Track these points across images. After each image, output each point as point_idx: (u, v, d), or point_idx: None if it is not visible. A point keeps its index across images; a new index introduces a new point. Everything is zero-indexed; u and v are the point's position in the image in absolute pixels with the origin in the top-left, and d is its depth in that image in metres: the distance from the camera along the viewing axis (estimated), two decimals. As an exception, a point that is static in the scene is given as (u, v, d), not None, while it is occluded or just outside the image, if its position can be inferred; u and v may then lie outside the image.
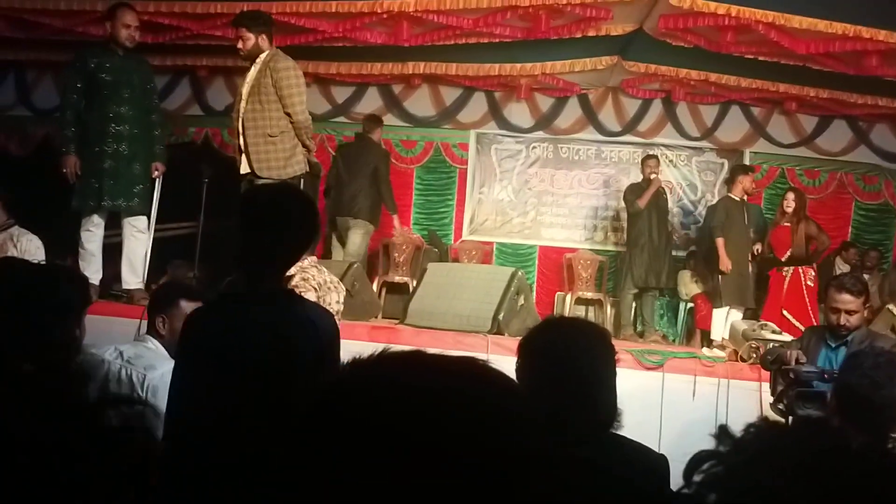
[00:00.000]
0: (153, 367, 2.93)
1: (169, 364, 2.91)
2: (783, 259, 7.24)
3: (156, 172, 5.45)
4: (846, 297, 3.87)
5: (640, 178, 8.22)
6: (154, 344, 3.07)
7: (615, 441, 1.77)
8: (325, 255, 7.79)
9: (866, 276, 8.61)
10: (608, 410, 1.77)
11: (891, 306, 5.45)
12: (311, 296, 4.27)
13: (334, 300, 4.23)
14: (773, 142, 9.28)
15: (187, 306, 3.01)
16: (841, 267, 8.22)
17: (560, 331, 1.89)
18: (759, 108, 9.30)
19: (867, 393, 2.23)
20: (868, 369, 2.26)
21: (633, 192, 7.97)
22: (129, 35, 5.24)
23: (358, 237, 7.37)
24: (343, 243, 7.50)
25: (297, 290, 4.28)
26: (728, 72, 8.13)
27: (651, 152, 8.62)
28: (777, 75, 8.05)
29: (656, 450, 1.90)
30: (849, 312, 3.87)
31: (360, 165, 7.67)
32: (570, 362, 1.74)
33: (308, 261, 4.39)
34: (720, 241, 7.13)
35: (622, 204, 9.50)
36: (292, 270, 4.07)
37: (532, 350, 1.82)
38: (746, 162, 9.14)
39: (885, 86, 7.90)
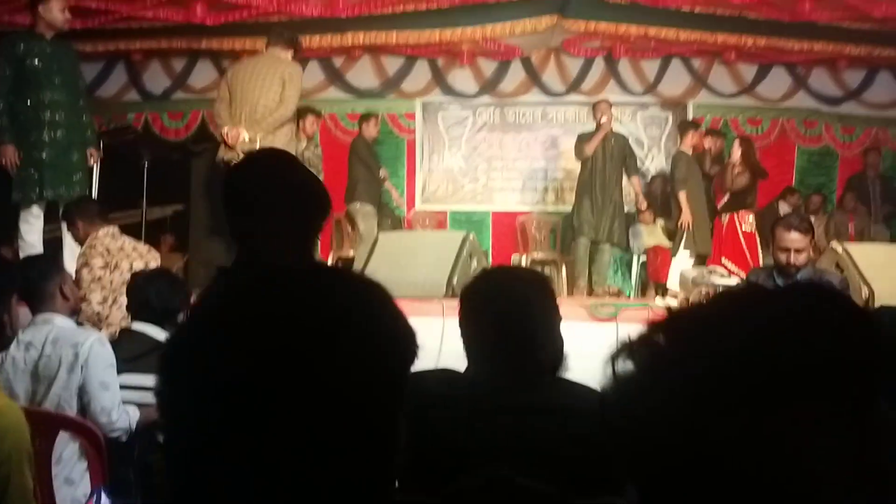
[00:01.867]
0: (79, 343, 2.81)
1: (88, 333, 2.92)
2: (718, 207, 7.38)
3: (91, 159, 5.31)
4: (794, 235, 3.97)
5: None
6: (61, 319, 2.90)
7: (562, 385, 1.78)
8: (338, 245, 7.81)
9: (811, 219, 8.82)
10: (553, 355, 1.78)
11: (835, 245, 5.57)
12: (98, 261, 4.27)
13: (138, 267, 4.23)
14: (714, 92, 9.38)
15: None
16: (785, 212, 8.37)
17: (497, 278, 1.89)
18: (699, 60, 9.38)
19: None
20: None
21: (582, 139, 7.68)
22: (66, 18, 5.08)
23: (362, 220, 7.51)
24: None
25: (84, 258, 4.32)
26: (667, 25, 8.16)
27: (602, 97, 8.30)
28: (715, 26, 8.12)
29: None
30: (797, 251, 3.97)
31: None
32: (508, 308, 1.74)
33: (104, 230, 4.44)
34: (683, 195, 7.23)
35: (570, 164, 9.59)
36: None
37: (471, 299, 1.82)
38: (690, 114, 9.24)
39: (820, 30, 8.02)
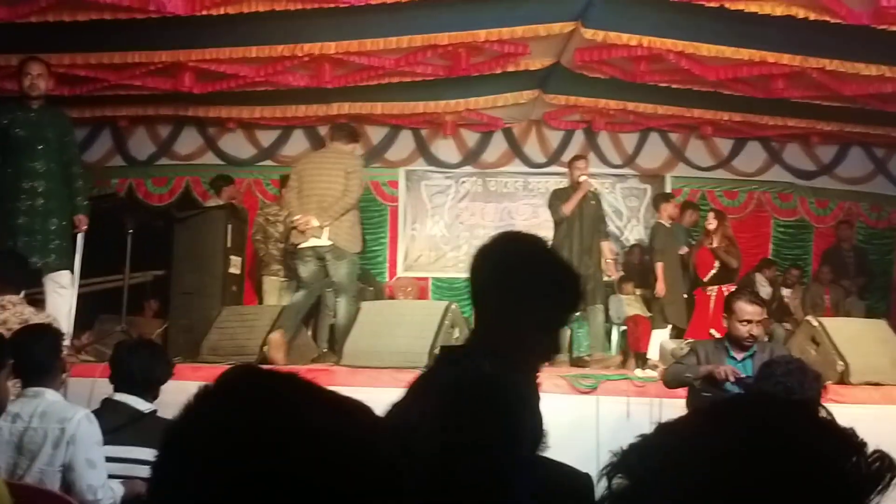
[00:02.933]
0: (66, 419, 2.80)
1: (76, 409, 2.87)
2: (705, 279, 7.41)
3: (80, 225, 5.31)
4: (756, 308, 4.10)
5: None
6: (51, 394, 2.91)
7: (536, 463, 1.78)
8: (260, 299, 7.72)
9: (787, 292, 8.95)
10: (534, 435, 1.78)
11: (810, 319, 5.65)
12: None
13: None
14: (692, 165, 9.59)
15: None
16: (762, 284, 8.48)
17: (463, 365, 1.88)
18: (676, 134, 9.61)
19: (782, 400, 2.31)
20: (780, 376, 2.36)
21: (559, 196, 7.09)
22: (32, 83, 5.09)
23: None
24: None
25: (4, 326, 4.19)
26: (645, 100, 8.39)
27: (579, 154, 7.96)
28: (691, 101, 8.35)
29: (593, 472, 1.90)
30: (756, 323, 4.10)
31: None
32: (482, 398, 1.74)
33: (15, 298, 4.29)
34: (660, 266, 7.27)
35: (552, 234, 9.68)
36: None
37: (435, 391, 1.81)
38: (668, 186, 9.43)
39: (793, 107, 8.26)
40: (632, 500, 0.72)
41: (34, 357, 2.94)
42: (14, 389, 2.91)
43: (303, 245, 5.86)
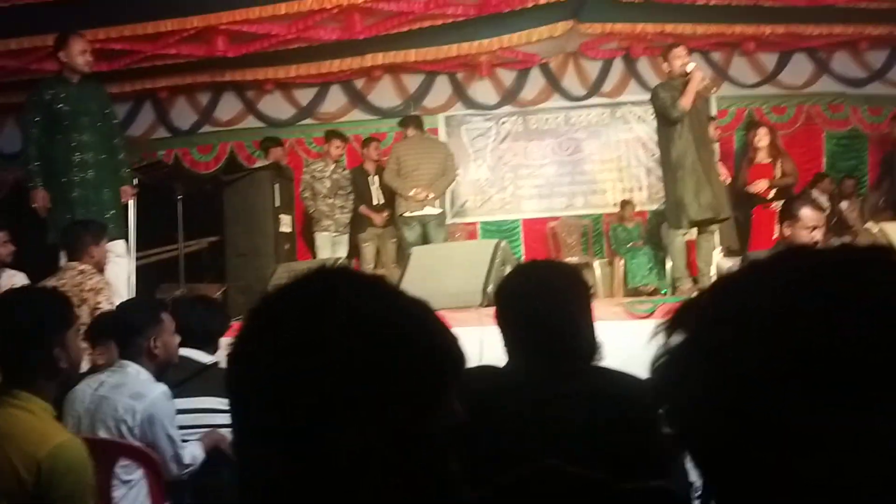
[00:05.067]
0: (141, 395, 2.78)
1: (157, 388, 2.83)
2: (769, 196, 7.22)
3: (125, 196, 5.43)
4: (819, 214, 4.06)
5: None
6: (135, 368, 2.88)
7: (600, 372, 1.80)
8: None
9: (845, 205, 8.73)
10: (589, 343, 1.80)
11: (870, 225, 5.51)
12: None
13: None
14: (736, 83, 9.33)
15: (167, 317, 3.01)
16: (819, 197, 8.27)
17: (528, 273, 1.92)
18: (718, 53, 9.34)
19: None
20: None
21: (667, 90, 5.91)
22: (87, 61, 5.21)
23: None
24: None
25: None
26: (683, 20, 8.16)
27: (673, 42, 6.64)
28: (732, 17, 8.11)
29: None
30: (818, 229, 4.07)
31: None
32: (542, 300, 1.77)
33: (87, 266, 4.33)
34: None
35: (596, 167, 9.58)
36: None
37: (505, 296, 1.85)
38: (713, 107, 9.19)
39: (839, 13, 7.96)
40: (689, 354, 0.70)
41: (123, 333, 2.98)
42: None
43: (410, 214, 7.17)
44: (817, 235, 4.08)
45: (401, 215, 7.26)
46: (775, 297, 0.64)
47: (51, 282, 4.18)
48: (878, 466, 0.58)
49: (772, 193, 7.14)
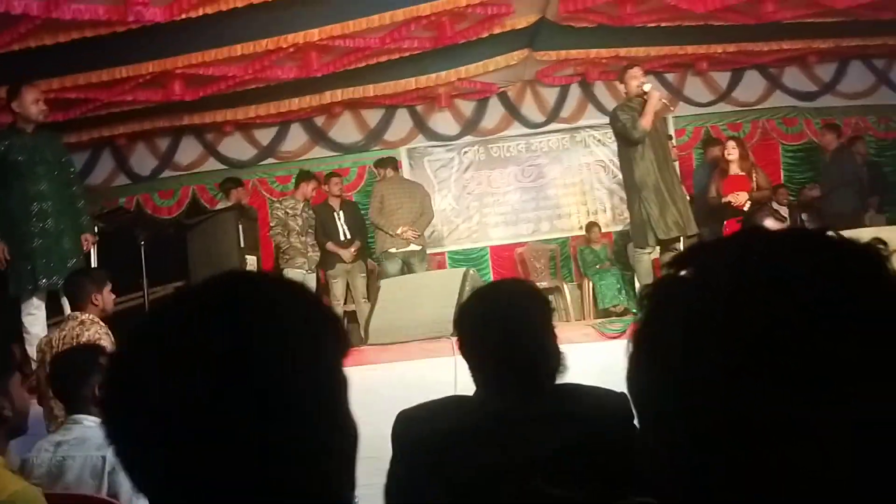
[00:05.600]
0: (105, 446, 2.69)
1: None
2: (745, 209, 6.88)
3: (86, 244, 5.35)
4: (780, 224, 4.09)
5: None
6: (91, 420, 2.75)
7: (568, 389, 1.78)
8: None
9: (805, 214, 8.86)
10: (554, 360, 1.78)
11: (829, 234, 5.55)
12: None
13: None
14: (692, 103, 9.51)
15: (105, 359, 2.90)
16: (779, 209, 8.39)
17: (487, 295, 1.90)
18: (673, 74, 9.52)
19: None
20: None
21: (626, 111, 5.88)
22: (41, 110, 5.15)
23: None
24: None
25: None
26: (636, 44, 8.30)
27: (630, 63, 6.67)
28: (683, 38, 8.26)
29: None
30: None
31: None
32: (503, 321, 1.75)
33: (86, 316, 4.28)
34: None
35: (559, 191, 9.65)
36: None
37: (463, 324, 1.83)
38: (671, 127, 9.31)
39: (787, 29, 8.14)
40: (647, 366, 0.68)
41: (68, 382, 2.87)
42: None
43: (395, 250, 7.49)
44: None
45: (385, 251, 7.54)
46: (717, 294, 0.62)
47: (54, 333, 4.21)
48: (856, 457, 0.57)
49: (747, 206, 7.04)
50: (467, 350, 1.79)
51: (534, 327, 1.75)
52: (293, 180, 8.11)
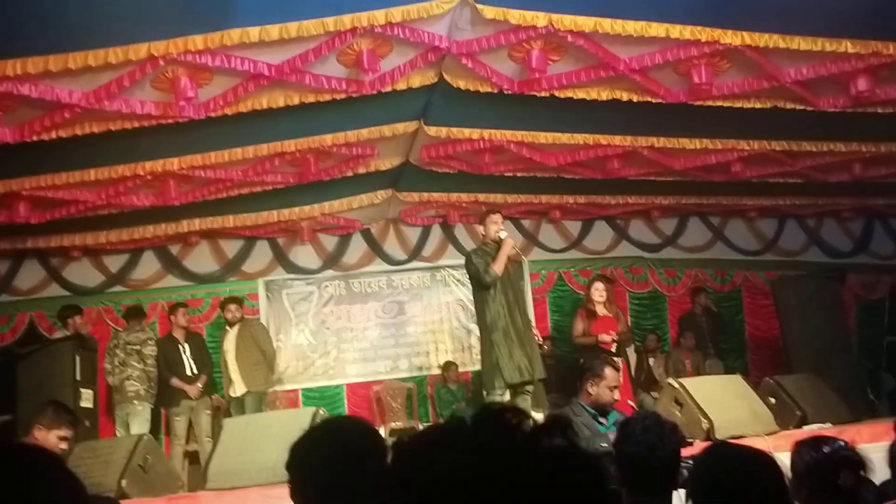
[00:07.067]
0: None
1: None
2: (613, 349, 7.13)
3: None
4: (618, 374, 4.25)
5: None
6: None
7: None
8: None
9: (652, 360, 9.25)
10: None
11: (671, 381, 5.82)
12: None
13: None
14: (545, 249, 9.91)
15: None
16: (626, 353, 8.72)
17: (315, 440, 1.82)
18: (528, 220, 9.94)
19: (644, 458, 2.33)
20: (639, 434, 2.38)
21: (480, 255, 6.06)
22: None
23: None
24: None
25: None
26: (494, 190, 8.67)
27: (491, 209, 6.97)
28: (538, 188, 8.69)
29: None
30: (617, 388, 4.29)
31: None
32: (337, 465, 1.68)
33: None
34: None
35: (420, 328, 9.68)
36: None
37: (297, 469, 1.75)
38: (525, 271, 9.63)
39: (632, 185, 8.73)
40: None
41: None
42: None
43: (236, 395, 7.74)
44: (617, 395, 4.26)
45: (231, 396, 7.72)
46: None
47: None
48: None
49: (614, 347, 7.22)
50: (300, 496, 1.70)
51: (368, 467, 1.68)
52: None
